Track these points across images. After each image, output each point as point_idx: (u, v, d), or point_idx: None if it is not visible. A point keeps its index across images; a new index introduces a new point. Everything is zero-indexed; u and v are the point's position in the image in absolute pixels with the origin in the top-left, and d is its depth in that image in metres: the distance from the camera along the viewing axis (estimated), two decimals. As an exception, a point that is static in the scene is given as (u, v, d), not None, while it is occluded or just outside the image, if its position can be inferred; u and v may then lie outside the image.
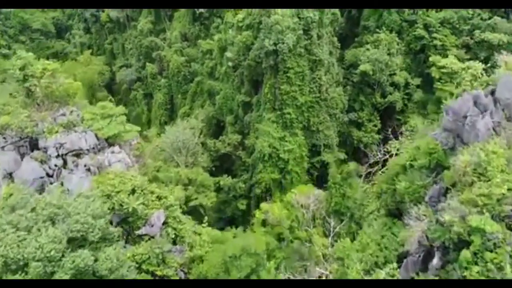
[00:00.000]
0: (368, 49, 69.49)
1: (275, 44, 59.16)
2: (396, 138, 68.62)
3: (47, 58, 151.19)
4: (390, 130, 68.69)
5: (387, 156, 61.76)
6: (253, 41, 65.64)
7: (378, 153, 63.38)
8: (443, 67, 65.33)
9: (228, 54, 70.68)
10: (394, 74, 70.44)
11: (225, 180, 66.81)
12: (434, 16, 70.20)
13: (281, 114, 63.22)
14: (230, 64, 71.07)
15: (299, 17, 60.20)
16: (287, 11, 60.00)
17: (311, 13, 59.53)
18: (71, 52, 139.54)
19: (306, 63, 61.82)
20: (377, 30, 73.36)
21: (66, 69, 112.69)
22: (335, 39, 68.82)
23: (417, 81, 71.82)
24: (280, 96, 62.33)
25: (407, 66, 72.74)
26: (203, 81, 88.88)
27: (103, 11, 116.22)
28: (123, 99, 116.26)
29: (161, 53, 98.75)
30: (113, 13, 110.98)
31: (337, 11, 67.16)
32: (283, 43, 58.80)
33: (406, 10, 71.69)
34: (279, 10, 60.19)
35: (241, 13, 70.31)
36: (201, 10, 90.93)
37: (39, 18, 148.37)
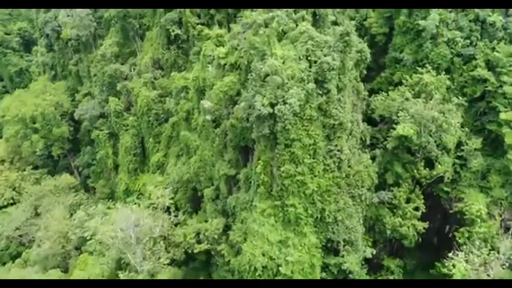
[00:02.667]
0: (407, 99, 47.95)
1: (271, 105, 37.62)
2: (445, 219, 47.70)
3: (11, 77, 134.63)
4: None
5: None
6: (239, 90, 44.32)
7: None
8: (524, 130, 44.05)
9: (206, 103, 49.01)
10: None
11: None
12: (502, 49, 48.56)
13: (282, 205, 41.64)
14: (208, 117, 49.59)
15: (309, 61, 38.50)
16: (291, 53, 38.37)
17: (328, 56, 37.71)
18: (33, 72, 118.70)
19: (320, 130, 40.17)
20: (416, 66, 51.96)
21: (13, 100, 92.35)
22: (361, 85, 47.22)
23: (475, 141, 50.19)
24: (281, 180, 40.75)
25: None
26: (180, 123, 67.54)
27: (64, 27, 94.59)
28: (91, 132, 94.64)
29: (128, 84, 77.31)
30: (73, 30, 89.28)
31: (365, 47, 45.59)
32: (284, 103, 37.28)
33: (460, 40, 50.10)
34: (278, 51, 38.54)
35: (224, 46, 48.85)
36: (178, 31, 69.20)
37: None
